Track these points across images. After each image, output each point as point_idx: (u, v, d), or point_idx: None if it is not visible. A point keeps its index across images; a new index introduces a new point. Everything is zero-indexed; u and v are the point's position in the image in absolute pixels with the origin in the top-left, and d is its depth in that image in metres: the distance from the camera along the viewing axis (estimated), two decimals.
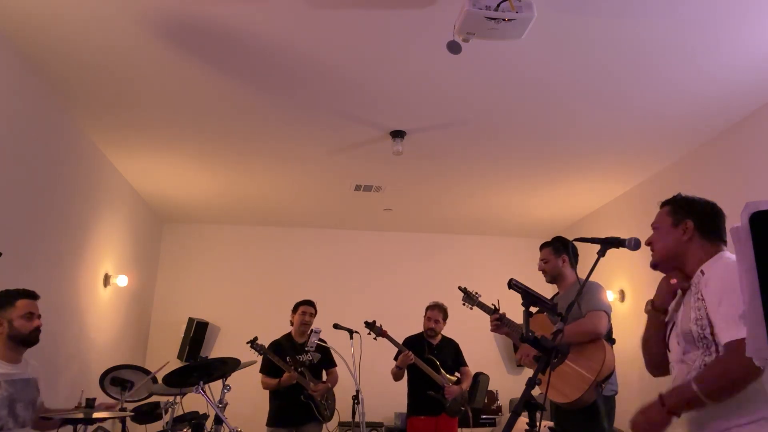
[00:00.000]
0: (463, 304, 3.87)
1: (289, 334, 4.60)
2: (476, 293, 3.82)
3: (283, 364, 4.24)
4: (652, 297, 2.12)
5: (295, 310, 4.62)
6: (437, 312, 4.62)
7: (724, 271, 1.83)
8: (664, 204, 2.10)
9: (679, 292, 2.00)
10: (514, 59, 3.49)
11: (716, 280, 1.82)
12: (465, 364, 4.64)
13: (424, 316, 4.66)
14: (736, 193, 4.10)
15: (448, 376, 4.43)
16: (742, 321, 1.66)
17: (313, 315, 4.60)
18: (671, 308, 2.03)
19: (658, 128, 4.40)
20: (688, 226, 1.97)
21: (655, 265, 2.06)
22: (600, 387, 2.89)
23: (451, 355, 4.61)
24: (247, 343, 4.34)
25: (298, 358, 4.40)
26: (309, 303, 4.62)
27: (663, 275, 2.09)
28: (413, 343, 4.55)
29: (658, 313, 2.07)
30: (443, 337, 4.68)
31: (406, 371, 4.48)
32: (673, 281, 2.02)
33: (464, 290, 3.86)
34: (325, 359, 4.60)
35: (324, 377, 4.60)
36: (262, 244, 7.17)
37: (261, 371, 4.43)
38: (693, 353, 1.84)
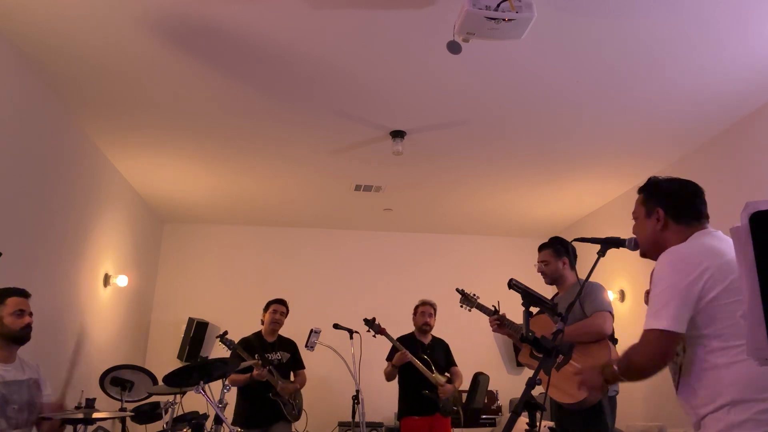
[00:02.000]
0: (461, 306, 3.83)
1: (260, 332, 4.58)
2: (474, 295, 3.78)
3: (251, 360, 4.19)
4: None
5: (266, 308, 4.59)
6: (429, 307, 4.62)
7: (662, 257, 1.83)
8: (639, 191, 2.11)
9: None
10: (514, 59, 3.49)
11: (656, 267, 1.84)
12: (455, 364, 4.63)
13: (416, 313, 4.64)
14: (736, 193, 4.10)
15: (439, 376, 4.42)
16: (658, 310, 1.73)
17: (285, 314, 4.58)
18: None
19: (659, 128, 4.40)
20: (660, 215, 1.96)
21: (643, 255, 2.07)
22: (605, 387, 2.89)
23: (442, 354, 4.60)
24: (217, 337, 4.31)
25: (267, 357, 4.39)
26: (281, 302, 4.61)
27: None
28: (406, 342, 4.52)
29: None
30: (434, 336, 4.67)
31: (398, 372, 4.45)
32: None
33: (462, 292, 3.81)
34: (293, 360, 4.59)
35: (292, 378, 4.57)
36: (262, 244, 7.17)
37: None
38: None
